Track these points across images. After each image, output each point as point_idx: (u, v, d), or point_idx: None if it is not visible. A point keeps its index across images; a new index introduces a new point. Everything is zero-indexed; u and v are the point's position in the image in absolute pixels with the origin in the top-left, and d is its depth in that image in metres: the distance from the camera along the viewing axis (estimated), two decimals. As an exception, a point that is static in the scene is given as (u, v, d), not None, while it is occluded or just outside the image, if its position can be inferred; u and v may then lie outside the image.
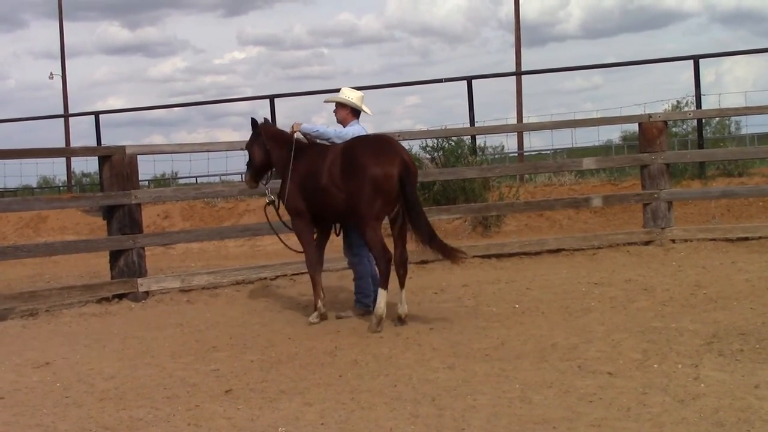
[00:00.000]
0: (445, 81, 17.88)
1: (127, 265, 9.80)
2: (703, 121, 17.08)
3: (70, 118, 29.86)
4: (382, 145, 7.65)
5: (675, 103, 23.49)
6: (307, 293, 9.68)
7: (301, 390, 5.73)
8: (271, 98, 18.04)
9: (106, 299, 9.71)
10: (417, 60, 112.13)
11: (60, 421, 5.42)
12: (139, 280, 9.81)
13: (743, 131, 25.24)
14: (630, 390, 5.24)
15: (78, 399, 5.89)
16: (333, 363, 6.44)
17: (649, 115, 11.65)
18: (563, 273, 9.88)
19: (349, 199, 7.50)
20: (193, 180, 28.62)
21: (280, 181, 8.28)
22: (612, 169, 16.49)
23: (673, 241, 11.24)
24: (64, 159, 25.10)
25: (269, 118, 17.47)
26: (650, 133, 11.42)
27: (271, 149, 8.21)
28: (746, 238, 11.06)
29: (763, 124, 25.05)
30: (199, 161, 33.16)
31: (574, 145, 20.74)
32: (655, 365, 5.76)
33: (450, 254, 7.54)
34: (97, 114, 20.17)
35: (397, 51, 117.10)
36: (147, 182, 27.56)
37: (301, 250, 8.28)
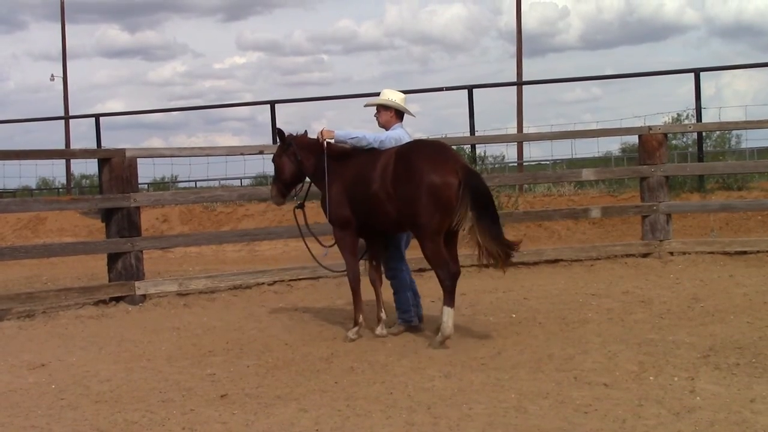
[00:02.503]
0: (446, 90, 17.89)
1: (124, 268, 9.79)
2: (703, 134, 17.09)
3: (69, 120, 29.87)
4: (441, 150, 7.18)
5: (675, 115, 23.48)
6: (305, 299, 9.71)
7: (297, 396, 5.73)
8: (272, 104, 18.05)
9: (104, 302, 9.71)
10: (417, 68, 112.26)
11: (54, 422, 5.41)
12: (137, 283, 9.81)
13: (743, 145, 25.29)
14: (626, 402, 5.24)
15: (73, 401, 5.88)
16: (329, 369, 6.44)
17: (649, 128, 11.67)
18: (561, 283, 9.88)
19: (402, 208, 7.01)
20: (192, 184, 28.69)
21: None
22: (611, 181, 16.50)
23: (672, 253, 11.25)
24: (63, 161, 25.10)
25: (269, 123, 17.57)
26: (650, 145, 11.44)
27: (304, 159, 7.77)
28: (744, 252, 11.06)
29: (763, 138, 25.17)
30: (198, 165, 33.31)
31: (574, 156, 20.72)
32: (651, 377, 5.76)
33: (505, 261, 6.95)
34: (97, 116, 20.16)
35: (396, 59, 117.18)
36: (146, 185, 27.57)
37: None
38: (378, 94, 7.93)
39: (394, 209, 7.08)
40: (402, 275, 7.74)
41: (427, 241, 6.98)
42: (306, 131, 8.00)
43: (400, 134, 7.62)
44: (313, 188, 8.12)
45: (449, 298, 7.00)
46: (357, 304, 7.64)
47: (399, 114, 7.79)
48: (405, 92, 7.91)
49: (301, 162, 7.80)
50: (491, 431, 4.86)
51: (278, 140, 8.01)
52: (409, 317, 7.72)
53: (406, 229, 7.33)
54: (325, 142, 7.61)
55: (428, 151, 7.15)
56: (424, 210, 6.84)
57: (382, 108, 7.80)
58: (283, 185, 7.99)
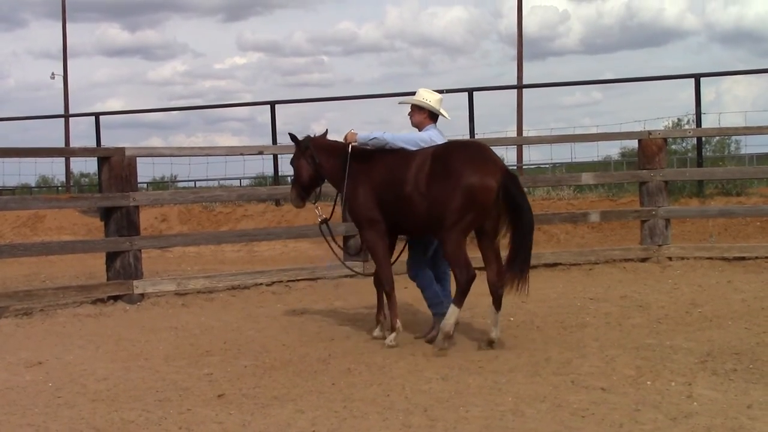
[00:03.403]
0: (446, 92, 17.84)
1: (123, 267, 9.79)
2: (703, 139, 17.10)
3: (69, 119, 29.91)
4: (481, 151, 6.95)
5: (675, 120, 23.56)
6: (303, 300, 9.71)
7: (294, 397, 5.73)
8: (272, 104, 18.03)
9: (101, 300, 9.71)
10: (417, 70, 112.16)
11: (51, 421, 5.41)
12: (135, 282, 9.81)
13: (743, 151, 25.35)
14: (623, 406, 5.24)
15: (70, 399, 5.88)
16: (326, 371, 6.44)
17: (649, 132, 11.69)
18: (559, 287, 9.88)
19: (433, 208, 6.80)
20: (191, 184, 28.70)
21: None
22: (610, 185, 16.48)
23: (670, 258, 11.25)
24: (63, 159, 25.12)
25: (269, 123, 17.56)
26: (650, 150, 11.45)
27: (323, 161, 7.61)
28: (743, 258, 11.06)
29: (762, 145, 25.23)
30: (198, 165, 33.22)
31: (574, 160, 20.82)
32: (648, 382, 5.76)
33: (511, 277, 6.78)
34: (97, 115, 20.15)
35: (396, 60, 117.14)
36: (145, 185, 27.60)
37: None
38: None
39: (425, 210, 6.88)
40: (424, 273, 7.44)
41: (450, 240, 6.77)
42: (327, 130, 7.88)
43: (432, 135, 7.36)
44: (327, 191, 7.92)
45: (459, 299, 6.87)
46: (393, 308, 7.36)
47: (433, 115, 7.52)
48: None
49: (320, 164, 7.65)
50: (488, 434, 4.86)
51: (294, 144, 7.83)
52: (442, 308, 7.26)
53: (434, 230, 7.02)
54: (349, 146, 7.45)
55: (469, 152, 6.96)
56: (456, 210, 6.65)
57: (415, 108, 7.55)
58: (302, 188, 7.84)
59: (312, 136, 7.82)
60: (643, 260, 11.30)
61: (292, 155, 7.97)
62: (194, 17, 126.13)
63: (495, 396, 5.57)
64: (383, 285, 7.42)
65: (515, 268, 6.70)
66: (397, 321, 7.29)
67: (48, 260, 14.16)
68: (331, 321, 8.42)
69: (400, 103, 7.82)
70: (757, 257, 11.00)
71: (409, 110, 7.62)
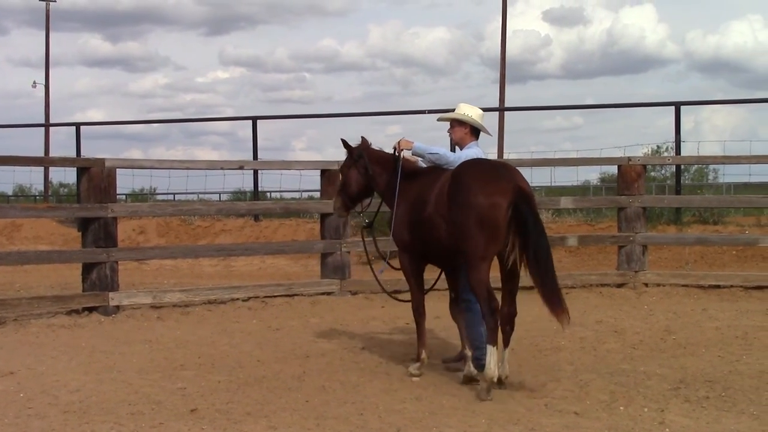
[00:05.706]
0: (428, 113, 17.91)
1: (99, 279, 9.73)
2: (682, 167, 17.24)
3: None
4: (495, 169, 6.45)
5: (655, 147, 23.72)
6: (279, 316, 9.68)
7: (267, 413, 5.71)
8: (254, 120, 18.02)
9: (76, 311, 9.64)
10: (398, 90, 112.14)
11: (21, 432, 5.36)
12: (111, 294, 9.74)
13: (720, 180, 25.54)
14: (595, 431, 5.25)
15: (41, 411, 5.83)
16: (300, 388, 6.42)
17: (629, 158, 11.77)
18: (535, 310, 9.78)
19: (453, 233, 6.33)
20: (170, 197, 28.57)
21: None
22: (589, 210, 16.59)
23: (646, 284, 11.30)
24: (42, 168, 25.02)
25: (250, 138, 17.57)
26: (629, 176, 11.52)
27: (377, 174, 7.18)
28: (718, 286, 11.13)
29: (740, 174, 25.34)
30: (177, 178, 32.92)
31: (553, 184, 20.85)
32: (621, 407, 5.78)
33: (558, 312, 6.33)
34: (78, 125, 20.10)
35: (378, 80, 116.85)
36: (124, 196, 27.48)
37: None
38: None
39: (447, 234, 6.41)
40: (475, 308, 6.72)
41: (471, 268, 6.28)
42: (363, 138, 7.43)
43: (476, 153, 7.03)
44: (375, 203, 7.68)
45: (491, 336, 6.20)
46: (420, 337, 7.00)
47: (475, 131, 7.16)
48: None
49: (373, 177, 7.22)
50: (460, 456, 4.86)
51: (346, 151, 7.40)
52: (479, 355, 6.59)
53: (458, 257, 6.53)
54: (401, 154, 7.06)
55: (481, 169, 6.43)
56: (471, 234, 6.15)
57: (456, 124, 7.15)
58: (348, 198, 7.42)
59: (367, 143, 7.38)
60: (620, 286, 11.34)
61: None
62: (176, 30, 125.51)
63: (469, 417, 5.57)
64: (412, 310, 7.10)
65: (556, 304, 6.29)
66: (423, 351, 6.93)
67: (23, 269, 14.06)
68: (307, 338, 8.40)
69: (439, 119, 7.44)
70: (732, 286, 11.07)
71: (449, 127, 7.25)
